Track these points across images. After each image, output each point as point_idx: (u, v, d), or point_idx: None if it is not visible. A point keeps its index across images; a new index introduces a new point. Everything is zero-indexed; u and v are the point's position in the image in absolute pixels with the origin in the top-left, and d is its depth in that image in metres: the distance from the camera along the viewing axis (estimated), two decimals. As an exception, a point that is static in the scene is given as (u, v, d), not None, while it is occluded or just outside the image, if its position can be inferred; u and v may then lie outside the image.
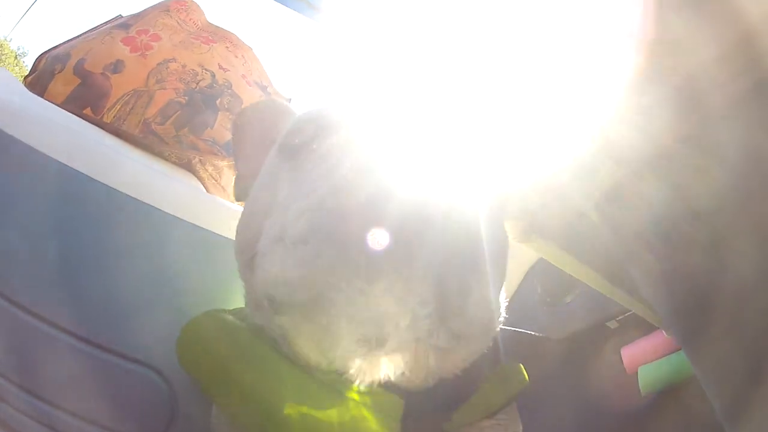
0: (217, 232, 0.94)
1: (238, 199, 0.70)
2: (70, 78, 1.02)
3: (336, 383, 0.51)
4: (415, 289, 0.45)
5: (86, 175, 0.84)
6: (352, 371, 0.50)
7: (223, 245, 0.87)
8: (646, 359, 0.78)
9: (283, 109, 0.69)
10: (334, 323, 0.46)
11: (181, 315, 0.69)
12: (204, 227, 0.90)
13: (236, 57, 1.23)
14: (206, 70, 1.17)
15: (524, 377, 0.63)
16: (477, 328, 0.52)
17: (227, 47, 1.23)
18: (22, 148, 0.81)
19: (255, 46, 1.30)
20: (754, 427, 0.43)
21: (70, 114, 0.97)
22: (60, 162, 0.82)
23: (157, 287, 0.84)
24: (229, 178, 1.11)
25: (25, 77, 1.07)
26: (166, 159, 1.06)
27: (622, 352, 0.81)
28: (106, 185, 0.83)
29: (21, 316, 0.76)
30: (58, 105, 0.98)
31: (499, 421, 0.63)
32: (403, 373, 0.51)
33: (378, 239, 0.41)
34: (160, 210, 0.87)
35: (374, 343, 0.47)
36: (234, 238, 0.64)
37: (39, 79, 1.03)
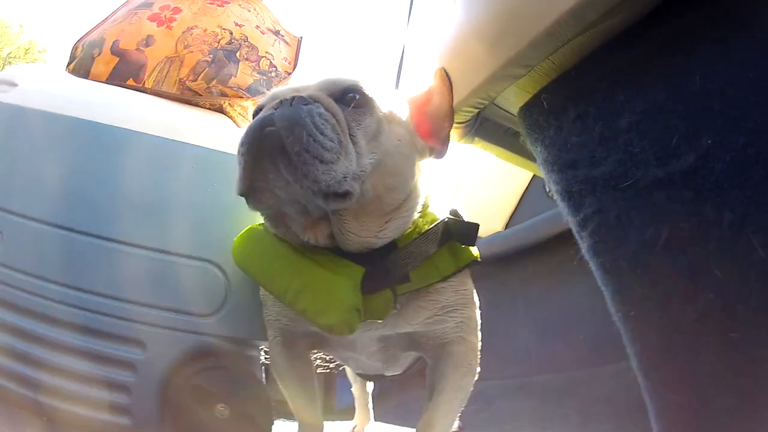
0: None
1: None
2: (109, 58, 1.23)
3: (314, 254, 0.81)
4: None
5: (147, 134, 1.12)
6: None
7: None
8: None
9: None
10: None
11: (230, 223, 1.04)
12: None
13: (249, 11, 1.39)
14: (224, 29, 1.34)
15: (474, 255, 0.88)
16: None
17: (240, 4, 1.38)
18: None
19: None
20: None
21: (116, 87, 1.21)
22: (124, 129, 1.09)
23: (212, 205, 1.10)
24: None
25: (67, 65, 1.29)
26: (201, 107, 1.25)
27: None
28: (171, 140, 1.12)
29: (112, 246, 1.03)
30: (103, 82, 1.20)
31: (450, 283, 0.78)
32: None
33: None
34: (209, 149, 1.14)
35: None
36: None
37: (81, 65, 1.26)
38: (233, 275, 1.07)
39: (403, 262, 0.80)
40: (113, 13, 1.36)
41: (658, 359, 0.54)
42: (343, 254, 0.80)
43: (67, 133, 1.06)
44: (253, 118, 0.74)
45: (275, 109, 0.72)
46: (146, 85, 1.23)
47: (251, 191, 0.74)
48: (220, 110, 1.27)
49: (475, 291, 0.94)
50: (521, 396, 1.83)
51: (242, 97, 1.28)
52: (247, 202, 0.76)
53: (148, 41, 1.28)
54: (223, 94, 1.26)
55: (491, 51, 0.63)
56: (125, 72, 1.24)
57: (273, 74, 1.34)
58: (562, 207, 0.66)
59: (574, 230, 0.64)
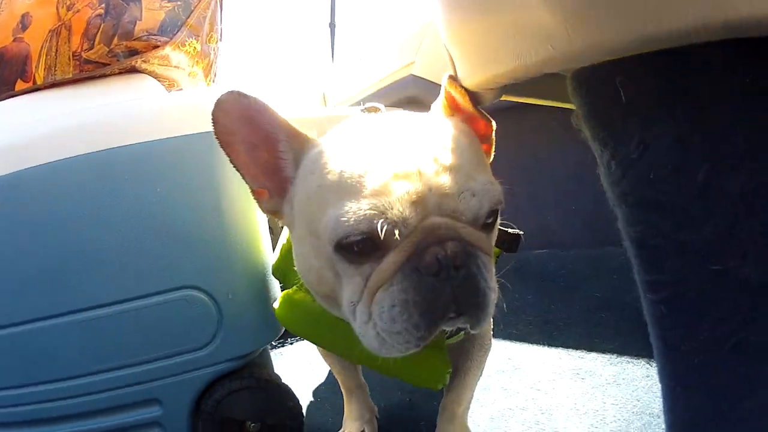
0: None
1: (269, 213, 0.70)
2: (-16, 68, 0.94)
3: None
4: None
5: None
6: None
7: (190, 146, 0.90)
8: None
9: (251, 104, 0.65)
10: None
11: (196, 227, 0.90)
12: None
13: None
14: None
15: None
16: None
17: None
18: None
19: None
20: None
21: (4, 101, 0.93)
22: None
23: (166, 216, 0.90)
24: (177, 56, 1.00)
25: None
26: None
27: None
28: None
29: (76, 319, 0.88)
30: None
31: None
32: None
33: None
34: (140, 144, 0.88)
35: None
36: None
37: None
38: (218, 291, 0.92)
39: None
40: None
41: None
42: None
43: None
44: (386, 230, 0.53)
45: (438, 257, 0.53)
46: (36, 81, 0.95)
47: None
48: (134, 71, 0.97)
49: None
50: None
51: (158, 46, 0.97)
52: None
53: (23, 22, 0.95)
54: (133, 52, 0.95)
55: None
56: (9, 75, 0.95)
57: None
58: (627, 244, 0.43)
59: (639, 285, 0.44)
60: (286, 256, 0.80)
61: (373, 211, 0.52)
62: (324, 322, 0.73)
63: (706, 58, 0.31)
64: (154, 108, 0.91)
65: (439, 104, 0.69)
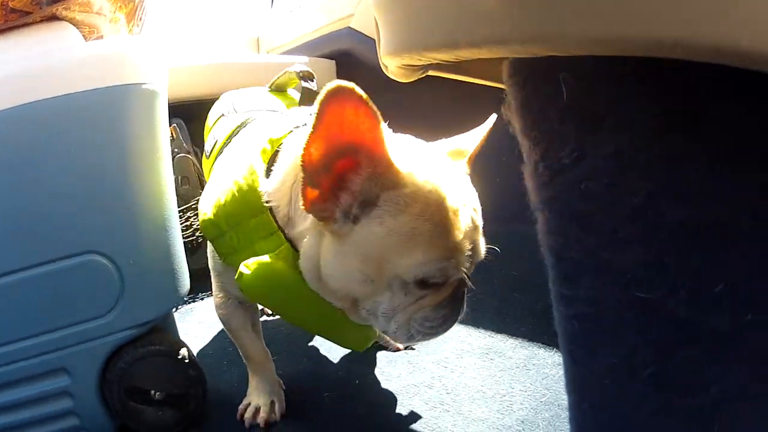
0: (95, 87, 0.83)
1: (313, 212, 0.70)
2: None
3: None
4: None
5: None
6: None
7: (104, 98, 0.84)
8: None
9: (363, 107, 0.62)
10: None
11: (103, 190, 0.85)
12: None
13: None
14: None
15: None
16: None
17: None
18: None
19: None
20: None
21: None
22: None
23: (73, 176, 0.84)
24: (99, 1, 0.92)
25: None
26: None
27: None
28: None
29: None
30: None
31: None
32: None
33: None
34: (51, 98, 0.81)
35: None
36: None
37: None
38: (119, 256, 0.88)
39: None
40: None
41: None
42: None
43: None
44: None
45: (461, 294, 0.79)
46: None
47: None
48: (55, 19, 0.86)
49: None
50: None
51: None
52: None
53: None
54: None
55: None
56: None
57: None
58: (544, 251, 0.40)
59: (552, 294, 0.41)
60: (229, 213, 0.81)
61: (452, 265, 0.69)
62: (297, 293, 0.78)
63: (675, 68, 0.27)
64: (55, 63, 0.82)
65: (450, 147, 0.83)
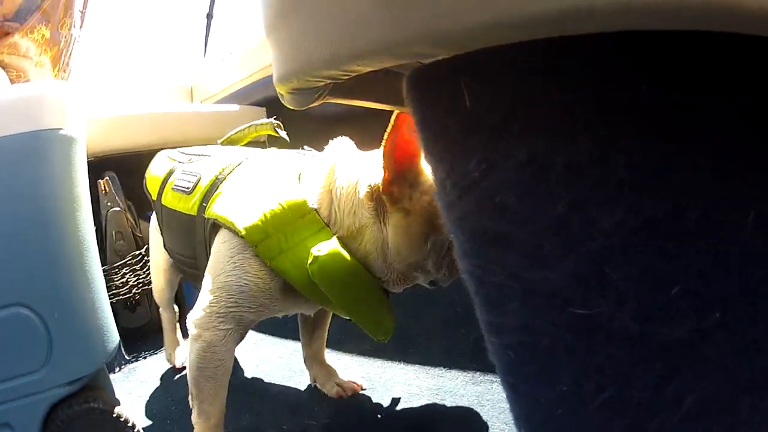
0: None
1: (386, 194, 0.84)
2: None
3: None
4: None
5: None
6: None
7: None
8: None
9: None
10: None
11: (29, 239, 0.84)
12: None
13: None
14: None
15: None
16: None
17: None
18: None
19: None
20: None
21: None
22: None
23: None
24: (26, 43, 0.93)
25: None
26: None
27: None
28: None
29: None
30: None
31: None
32: None
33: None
34: None
35: None
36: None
37: None
38: (44, 308, 0.86)
39: None
40: None
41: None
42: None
43: None
44: None
45: None
46: None
47: None
48: None
49: None
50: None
51: (9, 33, 0.90)
52: None
53: None
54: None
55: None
56: None
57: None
58: (465, 278, 0.36)
59: (481, 325, 0.37)
60: (276, 216, 0.87)
61: None
62: (359, 277, 0.87)
63: (587, 55, 0.23)
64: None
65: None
